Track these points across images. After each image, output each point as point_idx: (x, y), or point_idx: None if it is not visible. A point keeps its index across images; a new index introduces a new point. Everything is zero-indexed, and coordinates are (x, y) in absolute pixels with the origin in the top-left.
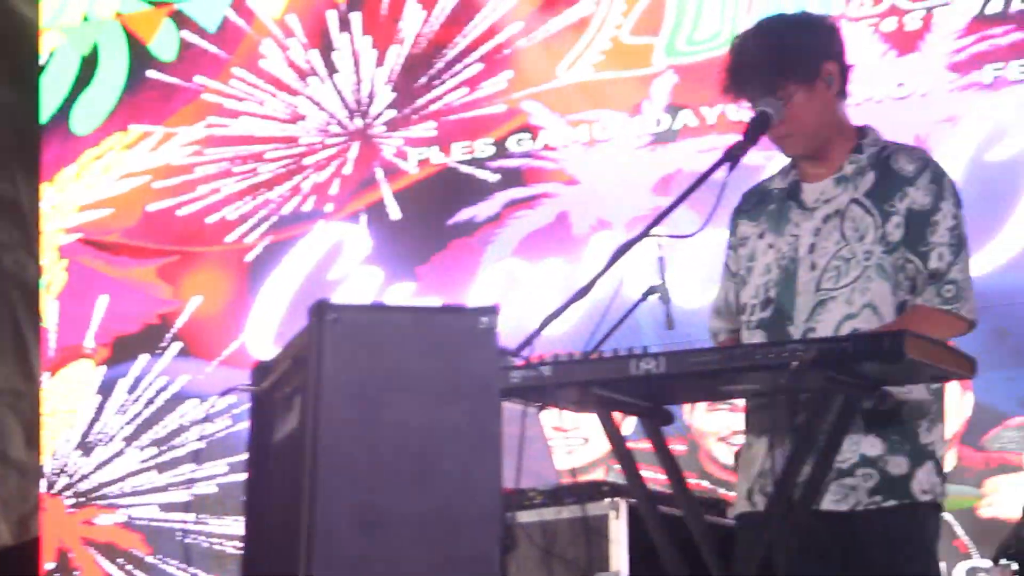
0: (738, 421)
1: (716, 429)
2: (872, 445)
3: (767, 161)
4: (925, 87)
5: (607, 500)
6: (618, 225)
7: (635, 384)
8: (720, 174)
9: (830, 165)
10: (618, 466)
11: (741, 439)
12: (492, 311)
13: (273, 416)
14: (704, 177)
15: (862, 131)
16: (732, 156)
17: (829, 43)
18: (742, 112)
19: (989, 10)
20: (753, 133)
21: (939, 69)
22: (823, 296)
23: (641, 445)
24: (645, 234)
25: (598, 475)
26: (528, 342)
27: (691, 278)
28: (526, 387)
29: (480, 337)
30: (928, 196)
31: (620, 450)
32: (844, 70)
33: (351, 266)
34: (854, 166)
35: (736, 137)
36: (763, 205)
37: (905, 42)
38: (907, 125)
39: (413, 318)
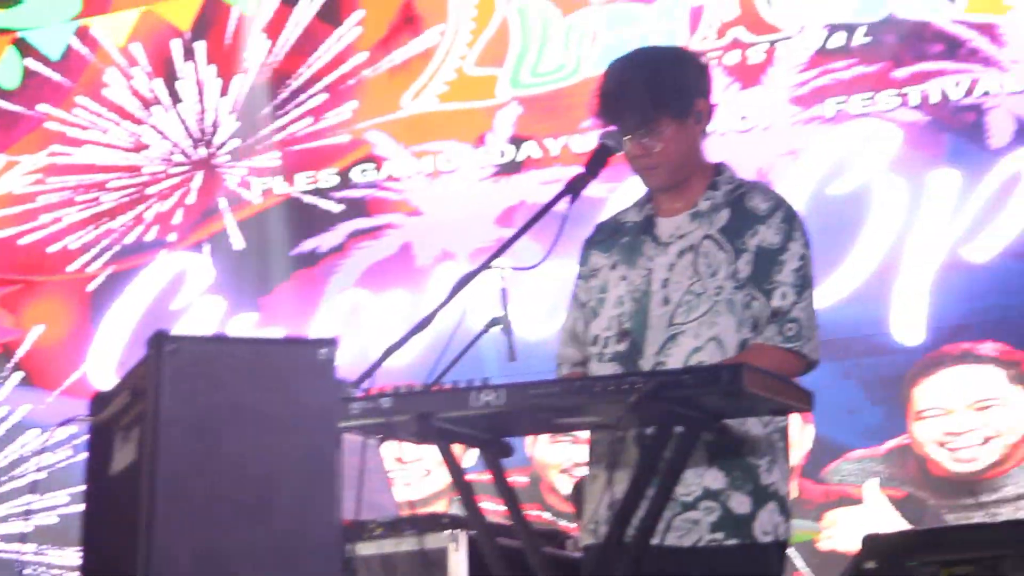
0: (580, 453)
1: (558, 461)
2: (715, 479)
3: (609, 193)
4: (768, 120)
5: (446, 532)
6: (461, 256)
7: (475, 416)
8: (562, 206)
9: (686, 200)
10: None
11: (583, 471)
12: (331, 343)
13: (112, 447)
14: (546, 209)
15: (718, 168)
16: (573, 188)
17: (702, 80)
18: (586, 144)
19: (832, 44)
20: (594, 166)
21: (782, 103)
22: (675, 330)
23: (483, 477)
24: (486, 265)
25: (440, 507)
26: (369, 373)
27: (534, 310)
28: (366, 419)
29: (318, 369)
30: (778, 235)
31: (460, 482)
32: (710, 108)
33: (194, 296)
34: (709, 202)
35: (578, 169)
36: (616, 237)
37: (748, 76)
38: (750, 158)
39: (252, 350)
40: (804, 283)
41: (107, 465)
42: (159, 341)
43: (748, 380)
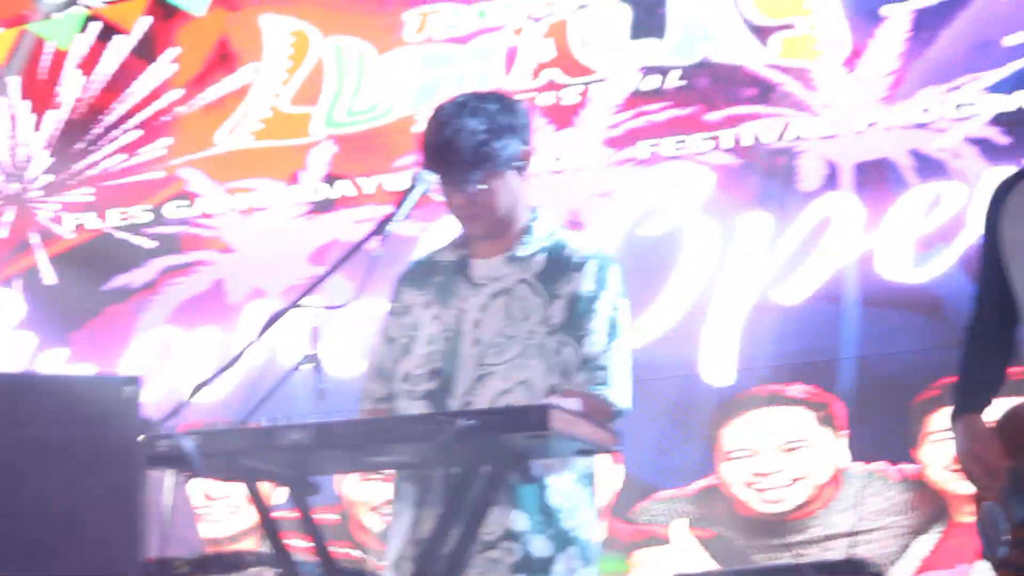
0: (390, 491)
1: (367, 499)
2: (517, 520)
3: (422, 232)
4: (581, 162)
5: (252, 570)
6: (273, 294)
7: (283, 455)
8: (373, 245)
9: (503, 244)
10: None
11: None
12: (134, 381)
13: None
14: (356, 248)
15: (536, 213)
16: (383, 228)
17: (526, 129)
18: (400, 183)
19: (645, 87)
20: (405, 206)
21: (595, 144)
22: (484, 371)
23: (293, 514)
24: (296, 304)
25: (249, 544)
26: (177, 411)
27: (345, 348)
28: (172, 456)
29: (122, 406)
30: (593, 284)
31: (266, 520)
32: (531, 155)
33: (3, 331)
34: (526, 247)
35: (391, 208)
36: (430, 275)
37: (562, 117)
38: (563, 199)
39: (56, 386)
40: (616, 332)
41: None
42: None
43: (555, 421)
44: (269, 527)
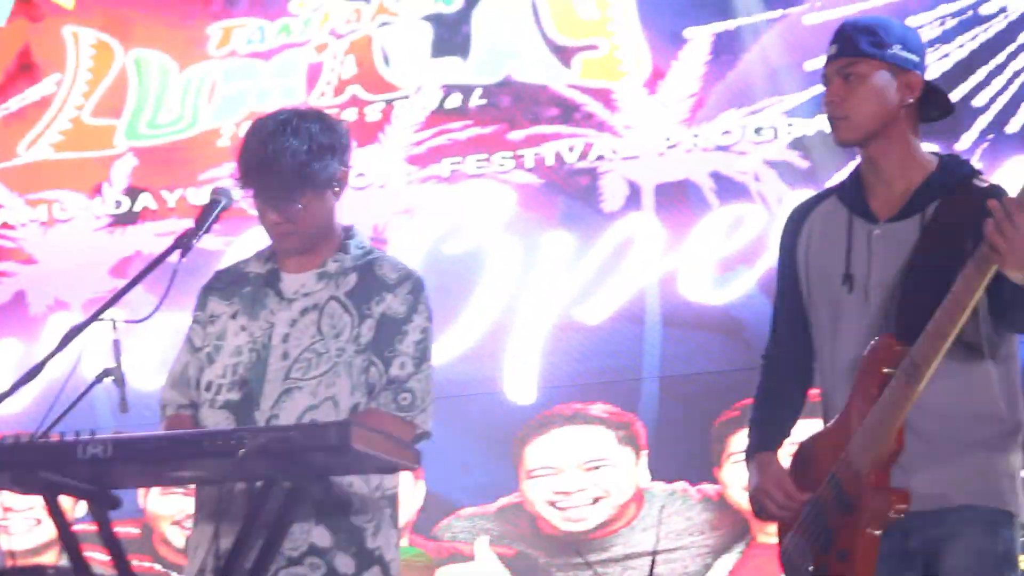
0: (193, 504)
1: (170, 512)
2: (322, 536)
3: (226, 247)
4: (384, 178)
5: None
6: (75, 306)
7: (82, 468)
8: (174, 258)
9: (313, 260)
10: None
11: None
12: None
13: None
14: (157, 262)
15: (348, 231)
16: (183, 243)
17: (346, 150)
18: (203, 196)
19: (448, 105)
20: (205, 220)
21: (398, 161)
22: (290, 385)
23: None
24: (96, 317)
25: (51, 557)
26: None
27: (147, 361)
28: None
29: None
30: (403, 306)
31: (65, 533)
32: (347, 174)
33: None
34: (338, 264)
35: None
36: (237, 286)
37: (365, 133)
38: (366, 215)
39: None
40: (423, 356)
41: None
42: None
43: (356, 439)
44: (68, 540)
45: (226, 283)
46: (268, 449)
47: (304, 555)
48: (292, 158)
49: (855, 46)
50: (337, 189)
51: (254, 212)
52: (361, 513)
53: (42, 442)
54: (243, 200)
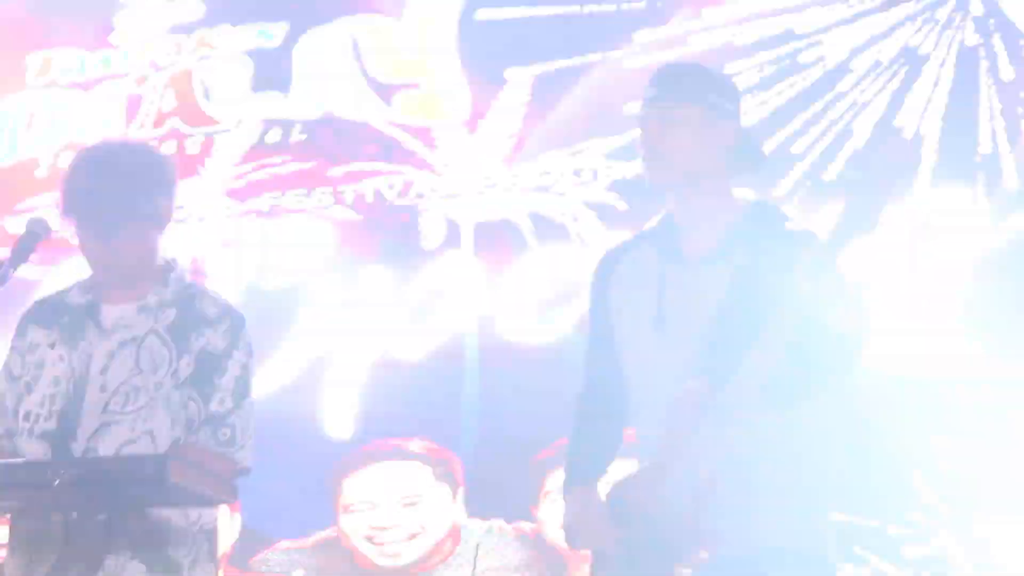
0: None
1: None
2: (136, 570)
3: (44, 276)
4: (203, 211)
5: None
6: None
7: None
8: None
9: (134, 293)
10: None
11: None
12: None
13: None
14: None
15: (170, 264)
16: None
17: (171, 185)
18: (20, 226)
19: (269, 139)
20: (20, 252)
21: (218, 194)
22: (108, 418)
23: None
24: None
25: None
26: None
27: None
28: None
29: None
30: (224, 341)
31: None
32: (172, 206)
33: None
34: (158, 298)
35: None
36: (57, 315)
37: (185, 166)
38: (185, 248)
39: None
40: (244, 391)
41: None
42: None
43: (174, 472)
44: None
45: (46, 312)
46: (84, 480)
47: None
48: (117, 190)
49: (674, 91)
50: (161, 223)
51: (75, 241)
52: (179, 546)
53: None
54: (63, 230)
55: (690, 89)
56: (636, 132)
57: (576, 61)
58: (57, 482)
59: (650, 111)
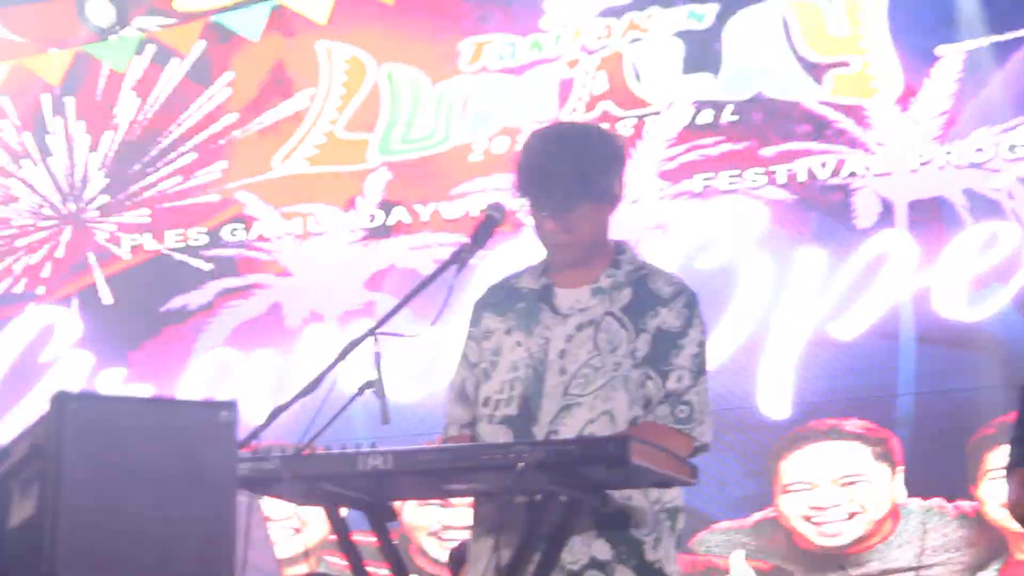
0: (449, 516)
1: (427, 523)
2: (602, 549)
3: (480, 261)
4: (636, 194)
5: None
6: (330, 318)
7: (362, 480)
8: (449, 274)
9: (587, 275)
10: (330, 558)
11: (454, 534)
12: (231, 406)
13: (8, 502)
14: (433, 277)
15: (620, 246)
16: (459, 258)
17: (622, 164)
18: (455, 210)
19: (700, 121)
20: (480, 237)
21: (650, 177)
22: (569, 401)
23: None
24: (373, 332)
25: (302, 568)
26: (256, 434)
27: (405, 373)
28: (254, 478)
29: (219, 430)
30: (679, 320)
31: (345, 543)
32: (623, 188)
33: (62, 349)
34: (611, 280)
35: (450, 235)
36: (511, 302)
37: None
38: (617, 231)
39: (153, 410)
40: (700, 369)
41: (4, 519)
42: (62, 400)
43: (634, 452)
44: (350, 550)
45: (499, 298)
46: (546, 463)
47: (585, 568)
48: (572, 167)
49: None
50: (613, 202)
51: (529, 222)
52: (640, 526)
53: (324, 454)
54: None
55: None
56: None
57: (1008, 36)
58: (520, 465)
59: None
